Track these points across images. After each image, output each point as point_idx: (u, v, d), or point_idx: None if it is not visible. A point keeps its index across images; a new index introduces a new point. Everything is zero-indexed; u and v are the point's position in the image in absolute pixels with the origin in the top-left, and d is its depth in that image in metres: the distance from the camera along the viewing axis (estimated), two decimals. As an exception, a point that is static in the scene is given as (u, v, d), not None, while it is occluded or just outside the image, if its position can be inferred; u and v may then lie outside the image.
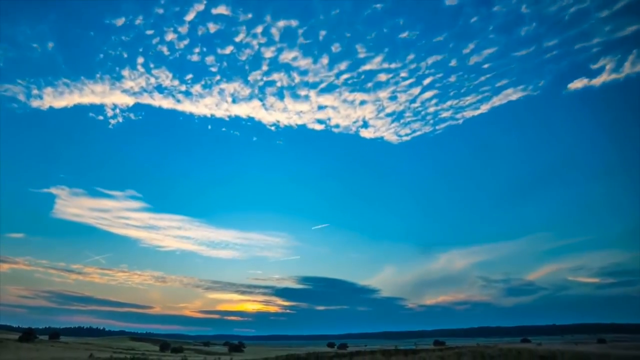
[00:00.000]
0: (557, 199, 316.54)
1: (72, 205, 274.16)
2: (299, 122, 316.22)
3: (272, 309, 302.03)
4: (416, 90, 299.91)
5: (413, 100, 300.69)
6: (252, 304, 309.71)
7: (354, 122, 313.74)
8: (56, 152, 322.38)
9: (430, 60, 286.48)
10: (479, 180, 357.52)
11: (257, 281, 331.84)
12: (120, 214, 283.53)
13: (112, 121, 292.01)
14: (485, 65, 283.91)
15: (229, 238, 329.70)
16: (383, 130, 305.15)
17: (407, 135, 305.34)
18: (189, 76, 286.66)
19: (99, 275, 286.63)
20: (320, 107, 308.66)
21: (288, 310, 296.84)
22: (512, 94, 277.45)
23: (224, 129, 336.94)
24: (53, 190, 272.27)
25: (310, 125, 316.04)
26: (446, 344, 65.58)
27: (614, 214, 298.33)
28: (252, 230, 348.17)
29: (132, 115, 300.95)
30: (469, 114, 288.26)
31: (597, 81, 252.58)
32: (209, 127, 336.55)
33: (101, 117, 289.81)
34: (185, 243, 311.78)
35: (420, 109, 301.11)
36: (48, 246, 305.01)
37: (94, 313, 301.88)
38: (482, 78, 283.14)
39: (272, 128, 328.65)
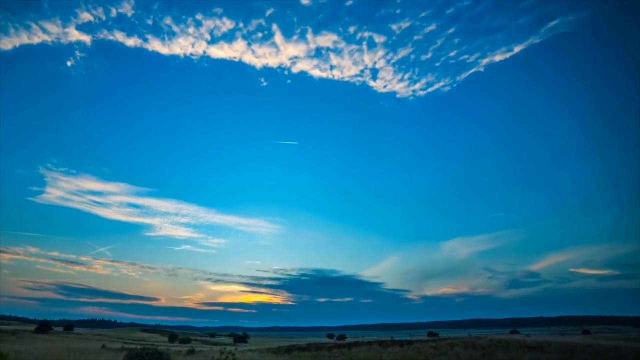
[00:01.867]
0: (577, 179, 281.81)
1: (62, 189, 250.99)
2: (295, 70, 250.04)
3: (275, 300, 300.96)
4: (434, 26, 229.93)
5: (432, 41, 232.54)
6: (254, 296, 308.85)
7: (362, 71, 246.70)
8: (28, 116, 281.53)
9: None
10: (493, 156, 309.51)
11: (258, 272, 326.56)
12: (114, 199, 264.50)
13: (74, 72, 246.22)
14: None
15: (228, 224, 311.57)
16: (394, 82, 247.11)
17: (422, 89, 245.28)
18: (156, 5, 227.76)
19: (102, 267, 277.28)
20: (320, 50, 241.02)
21: (290, 302, 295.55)
22: (560, 26, 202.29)
23: (202, 82, 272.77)
24: (41, 171, 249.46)
25: (310, 73, 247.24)
26: (439, 335, 66.01)
27: (624, 203, 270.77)
28: (247, 216, 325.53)
29: (94, 64, 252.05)
30: (498, 57, 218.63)
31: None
32: (184, 79, 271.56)
33: (61, 67, 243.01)
34: (182, 231, 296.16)
35: (440, 52, 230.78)
36: (49, 236, 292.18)
37: (102, 305, 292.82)
38: (523, 5, 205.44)
39: (263, 81, 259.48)
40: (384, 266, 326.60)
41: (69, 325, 67.87)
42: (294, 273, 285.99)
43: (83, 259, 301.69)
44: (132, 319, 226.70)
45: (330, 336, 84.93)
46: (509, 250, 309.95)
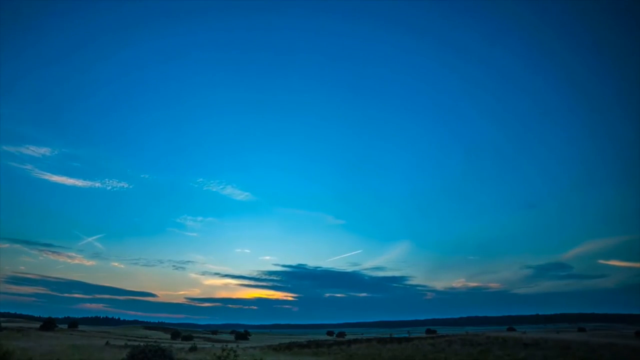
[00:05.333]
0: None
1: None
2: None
3: (276, 295, 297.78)
4: None
5: None
6: (255, 292, 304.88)
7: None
8: None
9: None
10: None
11: (257, 267, 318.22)
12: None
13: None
14: None
15: (219, 200, 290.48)
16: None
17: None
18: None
19: (88, 258, 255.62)
20: None
21: (290, 298, 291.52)
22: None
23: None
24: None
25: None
26: (437, 332, 65.83)
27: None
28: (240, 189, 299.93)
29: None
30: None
31: None
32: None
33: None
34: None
35: None
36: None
37: (99, 301, 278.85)
38: None
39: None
40: (391, 256, 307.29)
41: (73, 323, 67.60)
42: (292, 269, 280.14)
43: (69, 250, 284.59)
44: (134, 316, 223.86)
45: (330, 333, 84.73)
46: (533, 238, 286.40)
